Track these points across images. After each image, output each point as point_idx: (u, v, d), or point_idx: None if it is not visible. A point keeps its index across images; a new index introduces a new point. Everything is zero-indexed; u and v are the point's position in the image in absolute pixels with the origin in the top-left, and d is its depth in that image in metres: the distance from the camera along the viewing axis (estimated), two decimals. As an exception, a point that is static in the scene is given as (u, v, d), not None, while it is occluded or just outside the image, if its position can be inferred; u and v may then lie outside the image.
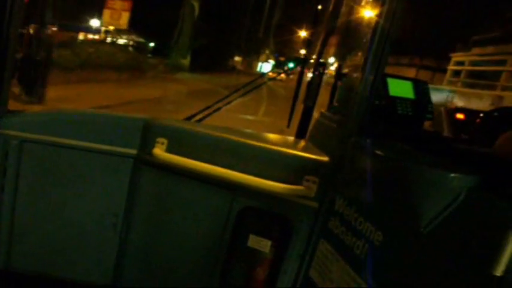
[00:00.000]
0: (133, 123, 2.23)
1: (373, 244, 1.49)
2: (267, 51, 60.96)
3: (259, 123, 14.11)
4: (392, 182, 1.50)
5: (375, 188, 1.59)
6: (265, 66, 57.25)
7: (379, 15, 1.72)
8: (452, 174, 1.27)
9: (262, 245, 2.06)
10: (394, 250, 1.41)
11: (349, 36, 2.45)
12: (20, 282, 2.39)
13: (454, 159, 1.48)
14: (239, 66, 54.37)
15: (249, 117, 14.55)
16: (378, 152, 1.61)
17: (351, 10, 2.44)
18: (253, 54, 56.13)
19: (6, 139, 2.18)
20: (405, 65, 46.59)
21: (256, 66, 59.54)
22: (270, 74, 28.06)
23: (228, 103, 2.80)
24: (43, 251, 2.36)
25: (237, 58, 55.72)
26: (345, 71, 2.48)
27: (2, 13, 1.97)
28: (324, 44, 2.65)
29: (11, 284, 2.39)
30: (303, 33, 46.30)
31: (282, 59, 59.57)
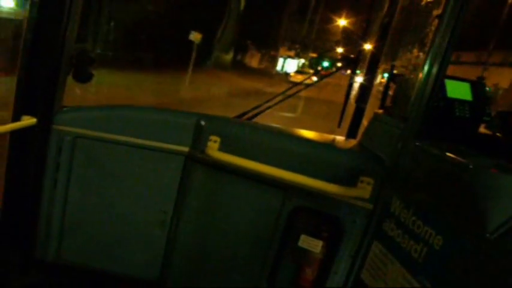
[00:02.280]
0: (186, 121, 2.25)
1: (432, 248, 1.46)
2: (296, 47, 50.95)
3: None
4: (455, 186, 1.46)
5: (435, 192, 1.55)
6: (290, 64, 48.06)
7: (442, 10, 1.66)
8: None
9: (313, 245, 2.04)
10: (456, 255, 1.37)
11: (404, 33, 2.39)
12: (69, 274, 2.45)
13: None
14: (253, 63, 45.31)
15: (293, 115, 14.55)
16: (439, 155, 1.57)
17: (409, 4, 2.38)
18: (273, 47, 46.09)
19: (60, 135, 2.24)
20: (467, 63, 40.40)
21: (276, 63, 47.79)
22: (293, 75, 26.29)
23: (279, 102, 2.79)
24: (92, 245, 2.42)
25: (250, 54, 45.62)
26: (395, 71, 2.44)
27: (61, 9, 2.03)
28: (382, 43, 2.61)
29: (61, 276, 2.46)
30: (342, 22, 41.87)
31: (313, 55, 53.38)
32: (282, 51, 48.82)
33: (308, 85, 2.95)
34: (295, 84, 3.12)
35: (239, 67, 35.82)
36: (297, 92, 2.82)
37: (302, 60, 54.64)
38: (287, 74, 36.45)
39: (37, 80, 2.10)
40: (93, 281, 2.46)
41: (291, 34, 46.16)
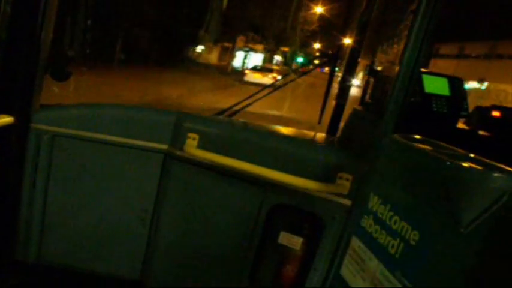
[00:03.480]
0: (165, 118, 2.23)
1: (408, 244, 1.46)
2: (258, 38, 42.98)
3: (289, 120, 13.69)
4: (430, 181, 1.46)
5: (411, 187, 1.55)
6: (255, 59, 39.12)
7: (417, 8, 1.67)
8: (495, 174, 1.23)
9: (292, 242, 2.04)
10: (431, 250, 1.38)
11: (382, 30, 2.40)
12: (51, 275, 2.42)
13: (492, 158, 1.43)
14: (212, 59, 37.64)
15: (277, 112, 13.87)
16: (415, 149, 1.57)
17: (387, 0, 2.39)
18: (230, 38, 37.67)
19: (39, 134, 2.21)
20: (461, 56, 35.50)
21: (233, 57, 38.39)
22: (248, 72, 25.16)
23: (258, 99, 2.78)
24: (73, 245, 2.39)
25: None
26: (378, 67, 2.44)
27: (36, 8, 2.00)
28: (360, 39, 2.61)
29: (42, 277, 2.43)
30: (318, 9, 36.51)
31: (285, 49, 46.92)
32: (240, 42, 40.38)
33: (268, 86, 2.92)
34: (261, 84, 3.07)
35: (188, 64, 29.76)
36: (271, 92, 2.81)
37: (277, 57, 48.21)
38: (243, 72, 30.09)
39: (14, 78, 2.07)
40: (74, 281, 2.44)
41: (254, 21, 38.96)
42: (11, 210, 2.28)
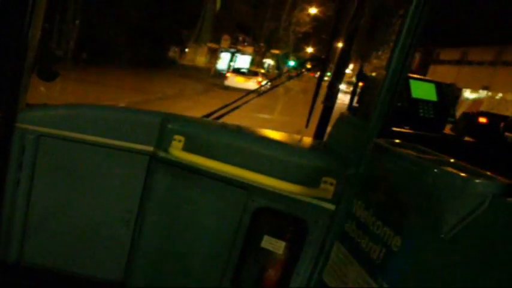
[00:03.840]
0: (151, 120, 2.22)
1: (390, 249, 1.45)
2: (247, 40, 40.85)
3: (277, 122, 13.30)
4: (413, 186, 1.45)
5: (394, 192, 1.54)
6: (242, 61, 35.14)
7: (404, 14, 1.67)
8: (477, 180, 1.22)
9: (276, 246, 2.03)
10: (413, 256, 1.37)
11: (372, 35, 2.39)
12: (32, 276, 2.39)
13: (477, 164, 1.43)
14: (198, 61, 36.51)
15: (266, 116, 13.70)
16: (399, 155, 1.56)
17: (377, 6, 2.39)
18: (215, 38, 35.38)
19: (24, 133, 2.18)
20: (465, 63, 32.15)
21: (217, 59, 35.74)
22: (230, 76, 23.52)
23: (247, 102, 2.77)
24: (56, 246, 2.37)
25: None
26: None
27: (24, 6, 1.98)
28: (348, 44, 2.60)
29: (23, 277, 2.40)
30: (312, 10, 34.57)
31: (275, 51, 42.92)
32: (225, 43, 37.63)
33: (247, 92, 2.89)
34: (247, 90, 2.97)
35: (168, 66, 28.19)
36: (260, 95, 2.79)
37: (269, 60, 45.01)
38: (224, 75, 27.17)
39: (0, 77, 2.04)
40: (56, 282, 2.41)
41: (242, 20, 35.91)
42: None
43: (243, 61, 35.88)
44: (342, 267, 1.71)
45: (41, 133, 2.19)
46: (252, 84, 21.92)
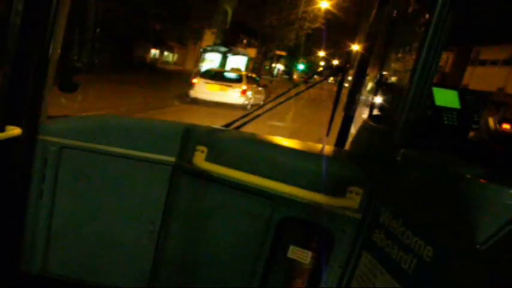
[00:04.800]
0: (173, 131, 2.23)
1: (422, 259, 1.44)
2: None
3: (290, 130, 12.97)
4: (444, 196, 1.44)
5: (424, 201, 1.53)
6: (234, 62, 26.43)
7: (429, 17, 1.66)
8: (511, 190, 1.21)
9: (302, 256, 2.02)
10: (446, 267, 1.36)
11: (393, 40, 2.38)
12: (55, 287, 2.41)
13: (505, 171, 1.42)
14: (189, 64, 30.84)
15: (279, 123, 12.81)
16: (429, 164, 1.55)
17: (398, 11, 2.37)
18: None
19: (46, 145, 2.21)
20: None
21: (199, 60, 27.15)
22: (197, 81, 16.29)
23: (267, 111, 2.77)
24: (79, 257, 2.38)
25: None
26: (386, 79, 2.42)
27: (46, 18, 2.00)
28: (369, 51, 2.60)
29: None
30: (323, 4, 31.39)
31: (280, 53, 39.41)
32: (208, 39, 31.69)
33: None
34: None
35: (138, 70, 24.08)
36: (282, 102, 2.78)
37: (279, 65, 40.04)
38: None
39: (22, 89, 2.07)
40: None
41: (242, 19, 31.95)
42: (17, 221, 2.27)
43: (236, 64, 26.96)
44: (370, 277, 1.70)
45: (63, 145, 2.22)
46: (233, 95, 16.40)
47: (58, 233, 2.33)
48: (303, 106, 18.60)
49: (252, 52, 34.63)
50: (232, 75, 17.92)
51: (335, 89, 2.87)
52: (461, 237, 1.30)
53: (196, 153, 2.14)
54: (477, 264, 1.25)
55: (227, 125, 2.69)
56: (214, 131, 2.32)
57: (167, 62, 31.02)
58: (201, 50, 28.39)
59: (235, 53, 28.51)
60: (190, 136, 2.19)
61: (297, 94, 2.80)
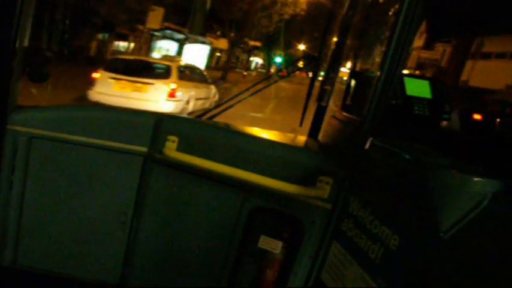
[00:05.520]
0: (144, 120, 2.21)
1: (389, 248, 1.44)
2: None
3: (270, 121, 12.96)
4: (411, 185, 1.45)
5: (391, 191, 1.54)
6: (195, 53, 23.25)
7: (398, 7, 1.66)
8: (475, 178, 1.22)
9: (273, 245, 2.02)
10: (411, 255, 1.36)
11: (365, 32, 2.38)
12: (27, 279, 2.37)
13: (475, 162, 1.43)
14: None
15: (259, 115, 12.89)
16: (397, 153, 1.56)
17: (370, 3, 2.37)
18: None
19: (16, 135, 2.17)
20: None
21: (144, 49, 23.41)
22: (98, 76, 10.26)
23: (240, 101, 2.75)
24: (51, 249, 2.35)
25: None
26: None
27: (12, 7, 1.96)
28: (341, 41, 2.59)
29: (18, 281, 2.38)
30: None
31: (255, 43, 35.50)
32: (153, 21, 23.69)
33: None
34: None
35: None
36: (251, 95, 2.77)
37: (257, 59, 37.00)
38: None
39: None
40: (51, 285, 2.39)
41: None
42: None
43: (196, 54, 22.48)
44: (340, 266, 1.70)
45: (33, 135, 2.18)
46: (153, 98, 10.37)
47: (29, 224, 2.30)
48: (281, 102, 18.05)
49: (224, 43, 30.37)
50: (158, 66, 11.45)
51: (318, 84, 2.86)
52: (426, 226, 1.31)
53: (167, 143, 2.12)
54: (441, 253, 1.25)
55: (199, 116, 2.67)
56: (186, 121, 2.30)
57: (120, 52, 24.46)
58: (150, 33, 22.46)
59: (194, 41, 22.64)
60: (162, 126, 2.16)
61: (267, 86, 2.79)
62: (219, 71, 26.95)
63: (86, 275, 2.36)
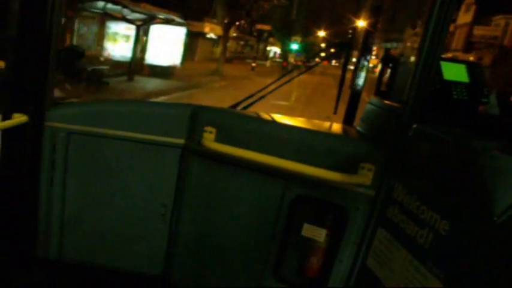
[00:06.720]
0: (180, 112, 2.22)
1: (438, 233, 1.45)
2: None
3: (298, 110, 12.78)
4: (460, 170, 1.45)
5: (439, 176, 1.54)
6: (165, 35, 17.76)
7: None
8: None
9: (316, 234, 2.03)
10: (463, 240, 1.37)
11: (398, 18, 2.35)
12: (73, 271, 2.44)
13: None
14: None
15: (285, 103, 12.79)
16: (444, 139, 1.56)
17: None
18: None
19: (54, 131, 2.20)
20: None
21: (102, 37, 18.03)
22: None
23: (273, 91, 2.76)
24: (94, 242, 2.40)
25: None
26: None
27: (44, 5, 1.98)
28: (373, 24, 2.57)
29: (64, 274, 2.44)
30: None
31: (262, 26, 31.39)
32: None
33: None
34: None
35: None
36: (289, 80, 2.77)
37: (275, 48, 34.51)
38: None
39: (26, 76, 2.07)
40: (96, 277, 2.45)
41: None
42: (29, 208, 2.29)
43: (168, 41, 17.58)
44: (386, 252, 1.72)
45: (71, 130, 2.21)
46: None
47: (71, 218, 2.35)
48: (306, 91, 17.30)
49: (217, 28, 25.96)
50: None
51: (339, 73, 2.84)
52: (478, 210, 1.31)
53: (205, 134, 2.14)
54: (494, 237, 1.26)
55: (234, 106, 2.68)
56: (221, 111, 2.32)
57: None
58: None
59: (163, 22, 17.13)
60: (198, 117, 2.18)
61: (297, 75, 2.78)
62: (228, 62, 22.94)
63: (129, 266, 2.41)
